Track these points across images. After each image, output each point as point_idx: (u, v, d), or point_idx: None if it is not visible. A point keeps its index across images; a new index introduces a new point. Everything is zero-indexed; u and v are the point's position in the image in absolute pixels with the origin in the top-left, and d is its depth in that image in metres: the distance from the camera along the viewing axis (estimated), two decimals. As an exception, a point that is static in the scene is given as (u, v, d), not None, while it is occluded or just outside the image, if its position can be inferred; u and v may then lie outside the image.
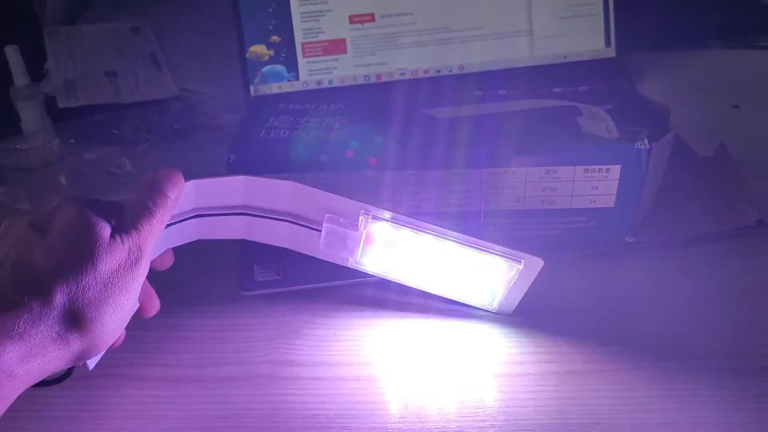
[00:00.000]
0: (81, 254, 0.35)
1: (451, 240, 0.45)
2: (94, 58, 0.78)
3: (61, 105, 0.71)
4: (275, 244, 0.47)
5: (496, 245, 0.45)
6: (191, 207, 0.44)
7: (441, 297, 0.49)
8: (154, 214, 0.39)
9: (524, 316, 0.49)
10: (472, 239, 0.45)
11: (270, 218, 0.45)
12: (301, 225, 0.46)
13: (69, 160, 0.65)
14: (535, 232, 0.53)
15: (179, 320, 0.49)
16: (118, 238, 0.37)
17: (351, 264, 0.48)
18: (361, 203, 0.45)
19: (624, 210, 0.52)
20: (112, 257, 0.36)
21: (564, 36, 0.66)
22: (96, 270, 0.35)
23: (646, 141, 0.50)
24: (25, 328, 0.33)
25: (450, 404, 0.43)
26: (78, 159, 0.65)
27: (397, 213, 0.45)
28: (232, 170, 0.51)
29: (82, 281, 0.35)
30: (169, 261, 0.45)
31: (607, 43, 0.67)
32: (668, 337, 0.47)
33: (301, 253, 0.47)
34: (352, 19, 0.64)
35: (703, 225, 0.54)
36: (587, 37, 0.67)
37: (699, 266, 0.52)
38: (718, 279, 0.51)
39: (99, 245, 0.36)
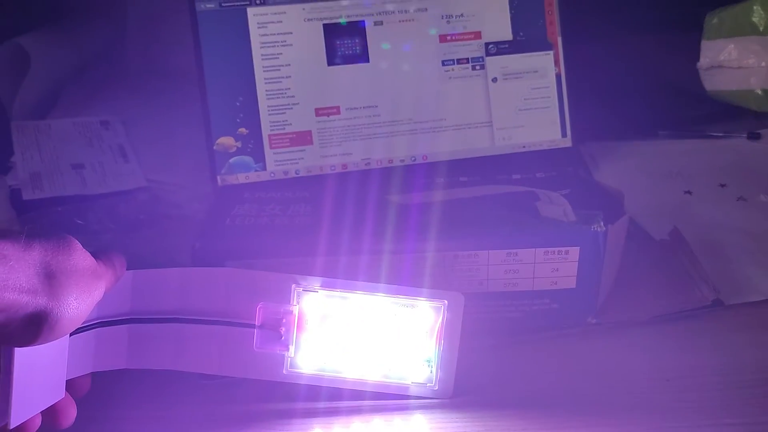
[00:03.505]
0: (61, 242, 0.38)
1: (379, 294, 0.48)
2: (62, 151, 0.78)
3: (26, 197, 0.71)
4: (203, 371, 0.47)
5: (422, 289, 0.48)
6: (127, 307, 0.46)
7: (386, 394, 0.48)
8: (108, 267, 0.42)
9: (489, 401, 0.48)
10: (401, 288, 0.48)
11: (202, 322, 0.47)
12: (234, 324, 0.47)
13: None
14: (498, 314, 0.53)
15: (129, 411, 0.47)
16: (89, 254, 0.40)
17: (286, 370, 0.47)
18: (291, 276, 0.47)
19: (585, 291, 0.53)
20: (84, 258, 0.39)
21: (522, 127, 0.69)
22: (70, 256, 0.38)
23: (602, 223, 0.51)
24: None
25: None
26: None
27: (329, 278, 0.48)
28: (196, 258, 0.51)
29: (58, 254, 0.37)
30: (86, 386, 0.45)
31: (564, 134, 0.70)
32: (635, 420, 0.46)
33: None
34: (319, 111, 0.66)
35: (662, 305, 0.55)
36: (544, 128, 0.70)
37: (660, 345, 0.53)
38: (679, 358, 0.51)
39: (75, 244, 0.39)
